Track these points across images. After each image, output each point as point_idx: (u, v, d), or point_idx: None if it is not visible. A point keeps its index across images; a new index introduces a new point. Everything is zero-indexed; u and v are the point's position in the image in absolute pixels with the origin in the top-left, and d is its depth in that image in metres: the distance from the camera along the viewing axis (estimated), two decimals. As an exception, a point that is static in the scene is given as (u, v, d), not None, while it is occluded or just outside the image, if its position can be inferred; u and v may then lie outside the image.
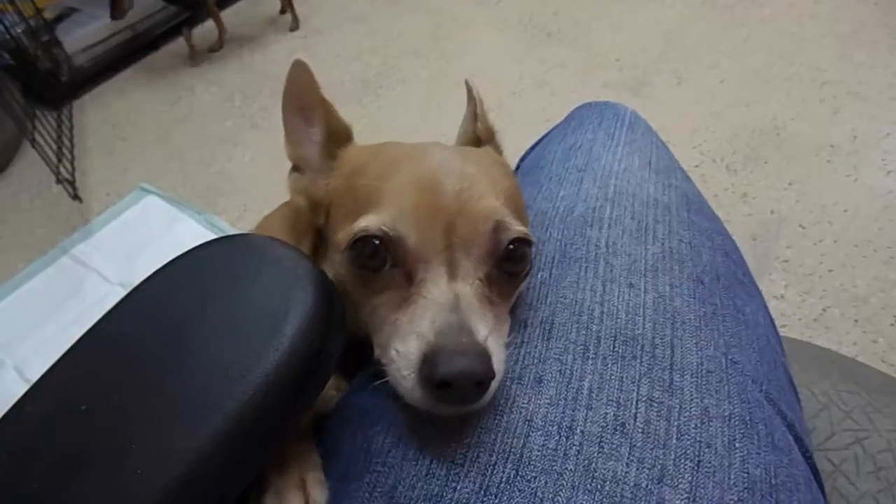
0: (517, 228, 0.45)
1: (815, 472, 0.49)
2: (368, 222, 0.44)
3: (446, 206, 0.44)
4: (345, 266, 0.47)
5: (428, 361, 0.38)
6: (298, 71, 0.54)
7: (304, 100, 0.55)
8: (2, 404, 0.40)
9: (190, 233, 1.97)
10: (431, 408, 0.40)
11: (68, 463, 0.35)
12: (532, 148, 0.79)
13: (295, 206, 0.57)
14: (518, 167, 0.77)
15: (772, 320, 0.60)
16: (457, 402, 0.39)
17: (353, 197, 0.48)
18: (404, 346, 0.41)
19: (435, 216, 0.44)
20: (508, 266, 0.46)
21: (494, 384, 0.40)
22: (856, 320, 1.41)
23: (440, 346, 0.39)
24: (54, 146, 2.20)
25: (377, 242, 0.44)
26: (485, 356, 0.39)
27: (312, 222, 0.55)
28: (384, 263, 0.44)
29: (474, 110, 0.62)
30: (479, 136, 0.61)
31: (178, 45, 2.80)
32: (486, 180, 0.47)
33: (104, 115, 2.52)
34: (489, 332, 0.41)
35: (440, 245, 0.43)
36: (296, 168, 0.57)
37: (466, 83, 0.64)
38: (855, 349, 1.36)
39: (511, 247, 0.45)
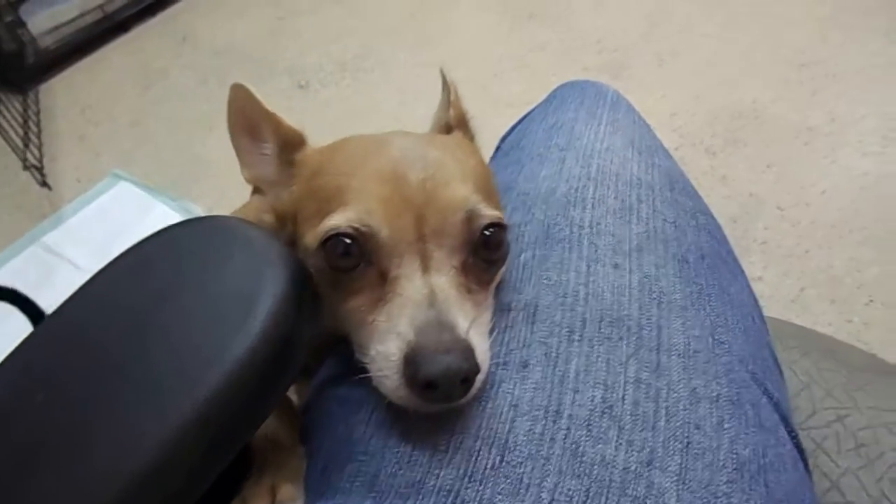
0: (489, 213, 0.44)
1: (800, 450, 0.49)
2: (336, 220, 0.42)
3: (413, 196, 0.43)
4: (317, 269, 0.45)
5: (410, 362, 0.38)
6: (238, 93, 0.53)
7: (249, 119, 0.54)
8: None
9: (164, 219, 1.92)
10: (417, 406, 0.39)
11: (26, 455, 0.33)
12: (513, 128, 0.77)
13: (264, 224, 0.55)
14: (499, 147, 0.76)
15: (755, 299, 0.59)
16: (442, 399, 0.39)
17: (317, 197, 0.46)
18: (384, 347, 0.40)
19: (403, 207, 0.42)
20: (485, 253, 0.45)
21: (480, 377, 0.39)
22: (832, 301, 1.43)
23: (421, 345, 0.38)
24: (20, 131, 2.13)
25: (348, 241, 0.42)
26: (468, 351, 0.38)
27: (281, 235, 0.53)
28: (357, 262, 0.43)
29: (448, 98, 0.61)
30: (449, 123, 0.60)
31: (151, 26, 2.72)
32: (452, 164, 0.46)
33: (73, 98, 2.44)
34: (470, 324, 0.40)
35: (411, 237, 0.42)
36: (256, 190, 0.55)
37: (441, 71, 0.63)
38: (830, 329, 1.38)
39: (486, 233, 0.44)
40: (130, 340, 0.37)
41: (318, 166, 0.49)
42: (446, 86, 0.62)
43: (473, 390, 0.39)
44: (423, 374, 0.37)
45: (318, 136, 0.56)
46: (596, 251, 0.50)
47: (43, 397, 0.35)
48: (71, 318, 0.40)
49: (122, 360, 0.36)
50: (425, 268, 0.42)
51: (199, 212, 1.90)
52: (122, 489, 0.32)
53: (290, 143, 0.53)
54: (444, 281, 0.42)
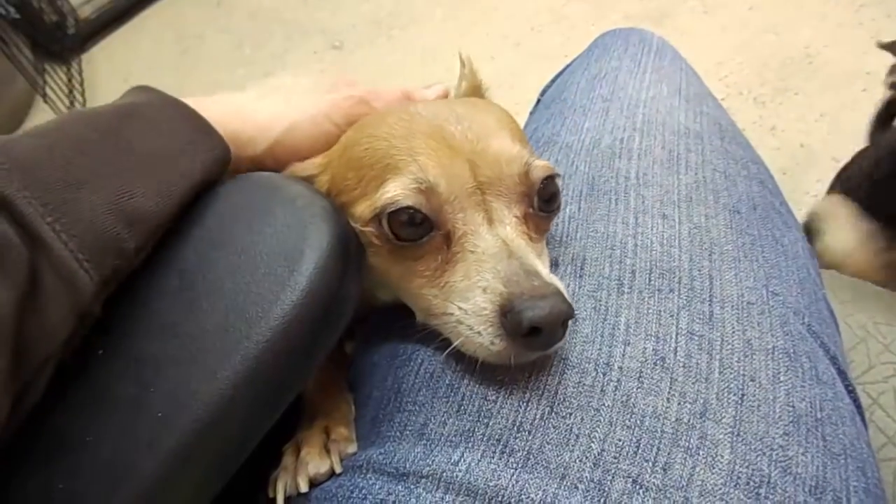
0: (543, 164, 0.44)
1: (857, 405, 0.47)
2: (395, 190, 0.41)
3: (461, 146, 0.42)
4: (372, 237, 0.43)
5: (509, 311, 0.37)
6: None
7: None
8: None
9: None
10: (516, 357, 0.38)
11: (89, 406, 0.35)
12: (554, 79, 0.75)
13: None
14: (539, 100, 0.75)
15: (810, 251, 0.57)
16: (543, 345, 0.38)
17: (357, 169, 0.44)
18: (470, 304, 0.39)
19: (454, 157, 0.42)
20: (542, 204, 0.44)
21: (571, 321, 0.39)
22: (889, 255, 1.37)
23: (515, 293, 0.37)
24: (66, 101, 2.18)
25: (411, 211, 0.41)
26: (561, 293, 0.38)
27: None
28: (423, 232, 0.41)
29: (462, 72, 0.59)
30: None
31: (184, -8, 2.73)
32: (485, 118, 0.45)
33: (114, 66, 2.48)
34: (549, 269, 0.40)
35: (469, 185, 0.41)
36: None
37: (459, 53, 0.60)
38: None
39: (542, 185, 0.44)
40: (180, 300, 0.37)
41: (347, 140, 0.48)
42: (461, 62, 0.59)
43: (567, 334, 0.39)
44: (527, 319, 0.36)
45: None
46: (643, 202, 0.49)
47: (102, 353, 0.36)
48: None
49: (173, 320, 0.37)
50: (489, 220, 0.41)
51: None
52: (179, 440, 0.33)
53: None
54: (511, 231, 0.41)
